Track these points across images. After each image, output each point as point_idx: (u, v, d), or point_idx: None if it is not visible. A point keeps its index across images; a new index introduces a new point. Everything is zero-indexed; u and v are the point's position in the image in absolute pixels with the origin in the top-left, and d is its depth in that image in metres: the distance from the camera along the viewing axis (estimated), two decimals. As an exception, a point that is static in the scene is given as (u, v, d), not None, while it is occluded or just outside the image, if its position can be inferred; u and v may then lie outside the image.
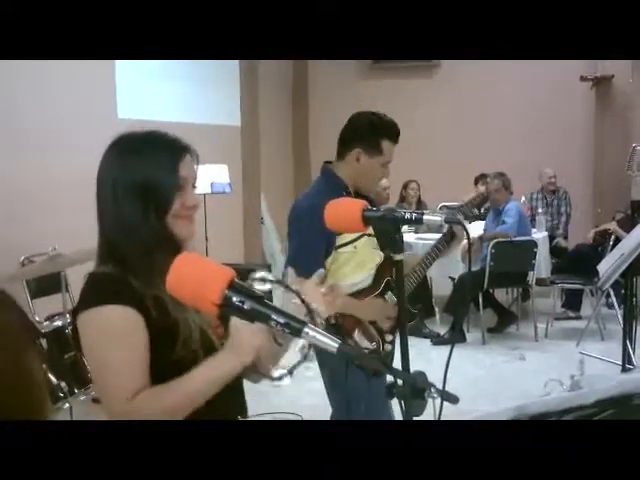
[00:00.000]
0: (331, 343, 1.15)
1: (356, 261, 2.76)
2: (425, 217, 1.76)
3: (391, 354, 2.83)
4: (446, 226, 3.89)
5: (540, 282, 6.74)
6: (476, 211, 2.82)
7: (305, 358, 1.23)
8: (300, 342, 1.23)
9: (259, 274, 1.26)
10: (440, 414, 1.48)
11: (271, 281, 1.25)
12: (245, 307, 1.17)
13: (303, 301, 1.33)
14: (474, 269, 6.40)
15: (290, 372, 1.26)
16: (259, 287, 1.24)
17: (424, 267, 2.91)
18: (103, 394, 1.55)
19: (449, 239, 2.89)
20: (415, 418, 1.40)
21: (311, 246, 2.65)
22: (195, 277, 1.18)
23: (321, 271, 1.66)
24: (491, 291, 6.81)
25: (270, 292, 1.28)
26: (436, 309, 6.94)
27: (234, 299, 1.17)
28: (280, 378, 1.30)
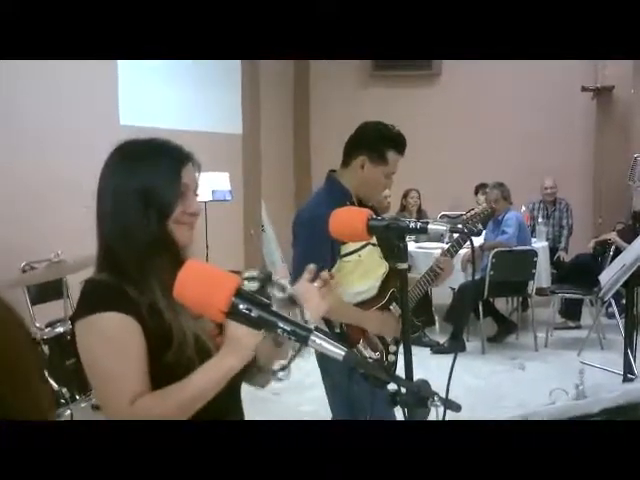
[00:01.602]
0: (337, 351, 1.15)
1: (361, 270, 2.76)
2: (430, 226, 1.77)
3: (394, 364, 2.84)
4: (447, 236, 3.87)
5: (540, 292, 6.75)
6: (480, 227, 2.82)
7: (301, 348, 1.22)
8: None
9: (248, 273, 1.27)
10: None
11: (260, 278, 1.26)
12: (252, 315, 1.18)
13: (293, 298, 1.34)
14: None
15: (289, 363, 1.26)
16: (249, 286, 1.24)
17: (422, 287, 2.92)
18: (104, 401, 1.55)
19: (436, 274, 2.88)
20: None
21: (316, 255, 2.65)
22: (203, 284, 1.19)
23: (311, 267, 1.65)
24: (491, 300, 6.81)
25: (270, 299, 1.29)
26: (436, 318, 6.95)
27: (241, 307, 1.18)
28: (281, 370, 1.31)
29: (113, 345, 1.51)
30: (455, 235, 2.94)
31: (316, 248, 2.63)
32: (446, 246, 3.02)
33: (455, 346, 6.10)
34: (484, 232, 6.76)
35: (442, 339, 6.55)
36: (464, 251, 6.17)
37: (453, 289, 6.68)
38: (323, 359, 2.64)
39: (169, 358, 1.52)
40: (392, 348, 2.82)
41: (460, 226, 1.82)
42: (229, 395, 1.56)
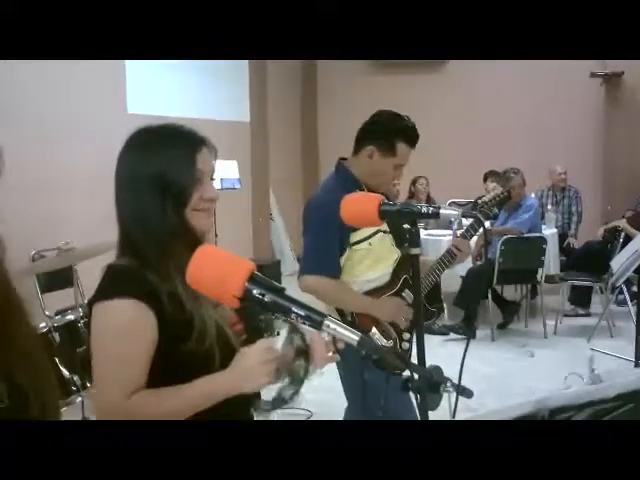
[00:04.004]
0: (352, 336, 1.14)
1: (372, 258, 2.75)
2: (442, 211, 1.76)
3: (409, 352, 2.82)
4: (456, 223, 3.84)
5: (549, 279, 6.72)
6: (496, 210, 2.78)
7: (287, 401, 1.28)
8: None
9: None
10: (456, 408, 1.48)
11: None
12: (266, 300, 1.17)
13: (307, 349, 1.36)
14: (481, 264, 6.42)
15: (274, 407, 1.29)
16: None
17: (437, 272, 2.90)
18: (99, 387, 1.54)
19: (452, 256, 2.86)
20: (430, 412, 1.41)
21: (325, 243, 2.65)
22: (216, 269, 1.18)
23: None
24: (495, 287, 6.79)
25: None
26: (444, 305, 6.94)
27: (255, 292, 1.17)
28: (268, 410, 1.34)
29: (122, 333, 1.51)
30: (465, 222, 2.92)
31: (326, 236, 2.62)
32: (457, 232, 3.00)
33: (467, 330, 6.11)
34: (502, 217, 6.72)
35: (451, 328, 6.56)
36: (474, 240, 6.14)
37: (463, 277, 6.66)
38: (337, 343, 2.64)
39: (190, 347, 1.51)
40: (406, 335, 2.80)
41: (474, 211, 1.81)
42: None
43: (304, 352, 1.38)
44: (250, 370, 1.42)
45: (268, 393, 1.57)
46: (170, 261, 1.53)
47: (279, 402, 1.44)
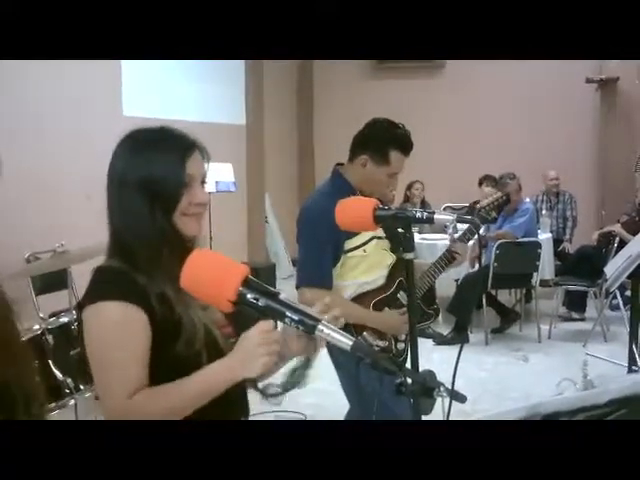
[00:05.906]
0: (345, 340, 1.15)
1: (366, 264, 2.74)
2: (436, 216, 1.76)
3: (404, 352, 2.83)
4: (451, 227, 3.79)
5: (544, 283, 6.73)
6: (494, 214, 2.74)
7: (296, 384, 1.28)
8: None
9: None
10: (449, 413, 1.48)
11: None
12: (259, 304, 1.17)
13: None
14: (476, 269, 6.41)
15: (284, 390, 1.28)
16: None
17: (433, 275, 2.90)
18: (102, 392, 1.54)
19: (450, 259, 2.86)
20: (423, 417, 1.41)
21: (321, 251, 2.64)
22: (210, 274, 1.18)
23: (326, 300, 1.57)
24: (492, 292, 6.79)
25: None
26: (439, 309, 6.93)
27: (248, 296, 1.17)
28: (275, 395, 1.32)
29: (118, 335, 1.50)
30: (460, 226, 2.92)
31: (320, 247, 2.62)
32: (454, 236, 2.99)
33: (459, 338, 6.10)
34: (498, 222, 6.71)
35: (445, 331, 6.54)
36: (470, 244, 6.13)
37: (457, 281, 6.66)
38: (333, 347, 2.63)
39: (178, 350, 1.51)
40: (401, 336, 2.81)
41: (469, 215, 1.82)
42: (236, 389, 1.55)
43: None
44: (250, 352, 1.37)
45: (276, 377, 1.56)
46: (159, 264, 1.53)
47: (289, 385, 1.41)
